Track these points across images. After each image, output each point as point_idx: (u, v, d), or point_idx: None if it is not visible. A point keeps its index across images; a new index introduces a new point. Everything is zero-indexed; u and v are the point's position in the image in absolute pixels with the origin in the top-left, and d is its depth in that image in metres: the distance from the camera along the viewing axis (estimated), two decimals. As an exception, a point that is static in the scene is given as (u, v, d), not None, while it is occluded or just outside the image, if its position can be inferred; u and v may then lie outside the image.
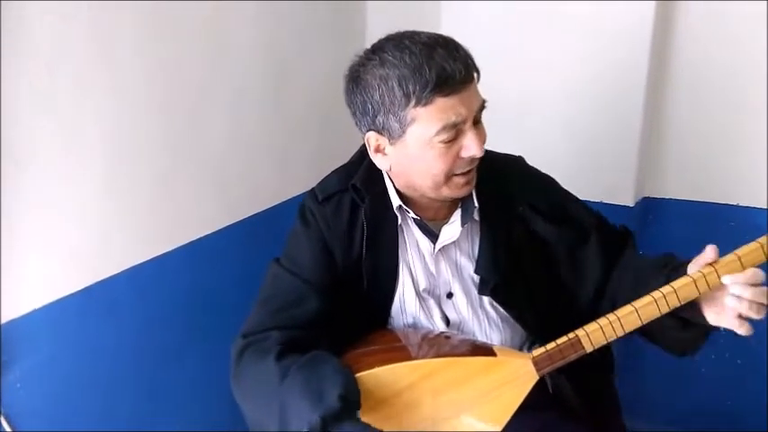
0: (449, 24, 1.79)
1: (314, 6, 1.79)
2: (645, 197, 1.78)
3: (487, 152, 1.15)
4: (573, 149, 1.75)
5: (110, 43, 1.26)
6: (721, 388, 1.81)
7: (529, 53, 1.73)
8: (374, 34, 2.01)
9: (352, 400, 0.88)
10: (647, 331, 1.00)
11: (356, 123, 1.05)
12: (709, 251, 0.90)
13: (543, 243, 1.11)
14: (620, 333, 0.91)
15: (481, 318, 1.11)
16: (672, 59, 1.66)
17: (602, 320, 0.91)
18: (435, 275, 1.11)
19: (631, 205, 1.72)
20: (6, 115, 1.10)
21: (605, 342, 0.92)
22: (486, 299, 1.10)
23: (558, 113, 1.74)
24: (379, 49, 0.98)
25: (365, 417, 0.91)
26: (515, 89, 1.76)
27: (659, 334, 1.01)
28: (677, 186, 1.76)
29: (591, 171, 1.73)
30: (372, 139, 1.03)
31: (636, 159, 1.68)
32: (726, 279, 0.87)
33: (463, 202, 1.08)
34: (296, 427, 0.86)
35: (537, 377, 0.94)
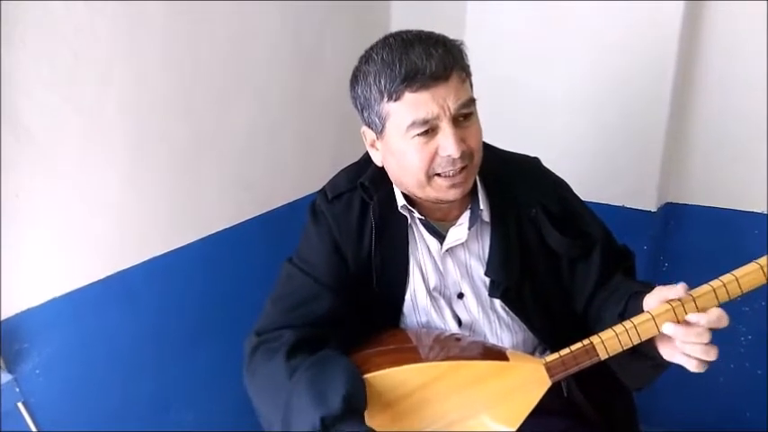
0: (473, 23, 1.78)
1: (339, 3, 1.80)
2: (668, 202, 1.76)
3: (502, 152, 1.14)
4: (596, 152, 1.73)
5: (135, 34, 1.27)
6: (741, 398, 1.78)
7: (553, 53, 1.71)
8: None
9: (355, 402, 0.88)
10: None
11: None
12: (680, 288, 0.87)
13: (552, 247, 1.10)
14: (636, 341, 0.89)
15: (492, 319, 1.10)
16: (699, 61, 1.63)
17: (618, 328, 0.89)
18: (444, 275, 1.10)
19: (654, 210, 1.69)
20: (30, 103, 1.12)
21: (620, 350, 0.90)
22: (497, 301, 1.09)
23: (581, 114, 1.72)
24: (372, 47, 1.00)
25: (374, 417, 0.92)
26: (539, 89, 1.75)
27: (615, 364, 0.99)
28: (701, 192, 1.73)
29: (614, 174, 1.71)
30: (367, 133, 1.05)
31: (659, 164, 1.66)
32: (665, 328, 0.86)
33: (472, 205, 1.07)
34: (298, 425, 0.86)
35: (549, 383, 0.93)
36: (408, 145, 0.96)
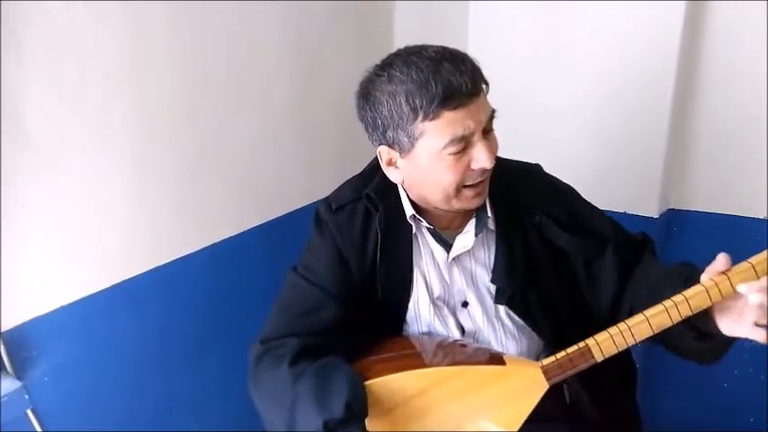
0: (476, 24, 1.79)
1: (341, 7, 1.80)
2: (670, 208, 1.76)
3: (504, 160, 1.14)
4: (598, 158, 1.74)
5: (140, 46, 1.29)
6: (744, 404, 1.77)
7: (555, 55, 1.72)
8: (402, 35, 1.98)
9: (357, 408, 0.90)
10: (666, 341, 0.99)
11: (369, 138, 1.07)
12: (721, 259, 0.89)
13: (560, 252, 1.10)
14: (631, 342, 0.90)
15: (497, 327, 1.11)
16: (700, 68, 1.64)
17: (613, 330, 0.90)
18: (449, 284, 1.11)
19: (656, 216, 1.70)
20: (37, 116, 1.14)
21: (616, 351, 0.91)
22: (501, 308, 1.10)
23: (583, 121, 1.73)
24: (387, 65, 0.99)
25: (374, 423, 0.93)
26: (540, 92, 1.76)
27: (677, 343, 0.99)
28: (703, 198, 1.73)
29: (615, 181, 1.72)
30: (384, 152, 1.05)
31: (661, 170, 1.66)
32: (741, 287, 0.86)
33: (477, 213, 1.08)
34: (302, 429, 0.89)
35: (547, 386, 0.94)
36: (441, 162, 0.97)
